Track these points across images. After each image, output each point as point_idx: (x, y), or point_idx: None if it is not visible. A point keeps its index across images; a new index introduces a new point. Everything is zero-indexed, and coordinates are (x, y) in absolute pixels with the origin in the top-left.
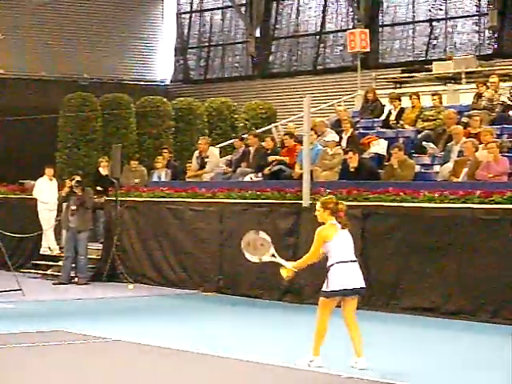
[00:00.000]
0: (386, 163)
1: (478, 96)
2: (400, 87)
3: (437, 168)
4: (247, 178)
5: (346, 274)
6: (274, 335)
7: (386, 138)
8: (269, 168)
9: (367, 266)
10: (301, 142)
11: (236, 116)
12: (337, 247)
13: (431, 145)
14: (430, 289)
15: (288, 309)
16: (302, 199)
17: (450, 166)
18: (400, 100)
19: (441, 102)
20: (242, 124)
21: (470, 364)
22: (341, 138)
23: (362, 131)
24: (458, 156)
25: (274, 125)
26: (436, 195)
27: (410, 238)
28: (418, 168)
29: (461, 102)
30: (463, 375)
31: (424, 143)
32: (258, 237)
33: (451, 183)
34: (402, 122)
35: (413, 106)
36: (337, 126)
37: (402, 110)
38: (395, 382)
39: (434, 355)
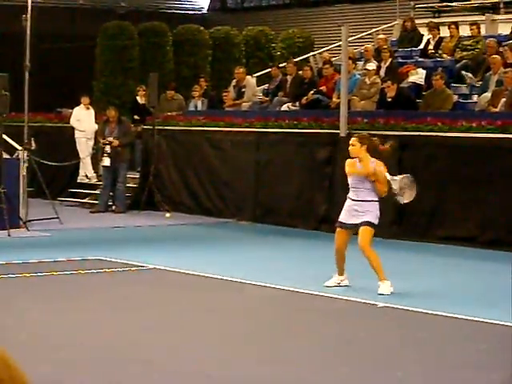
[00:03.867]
0: (424, 93)
1: None
2: (438, 16)
3: (475, 98)
4: (284, 108)
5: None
6: (307, 263)
7: (424, 68)
8: (306, 97)
9: None
10: (339, 72)
11: (273, 45)
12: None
13: (469, 74)
14: (468, 219)
15: (323, 238)
16: (339, 129)
17: (488, 95)
18: (438, 29)
19: (479, 32)
20: (279, 53)
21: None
22: (379, 67)
23: (400, 60)
24: (496, 86)
25: (312, 53)
26: (474, 125)
27: (447, 168)
28: (456, 98)
29: (499, 31)
30: (486, 304)
31: (462, 73)
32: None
33: (489, 113)
34: (440, 52)
35: (451, 36)
36: (376, 55)
37: (440, 40)
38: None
39: (464, 284)
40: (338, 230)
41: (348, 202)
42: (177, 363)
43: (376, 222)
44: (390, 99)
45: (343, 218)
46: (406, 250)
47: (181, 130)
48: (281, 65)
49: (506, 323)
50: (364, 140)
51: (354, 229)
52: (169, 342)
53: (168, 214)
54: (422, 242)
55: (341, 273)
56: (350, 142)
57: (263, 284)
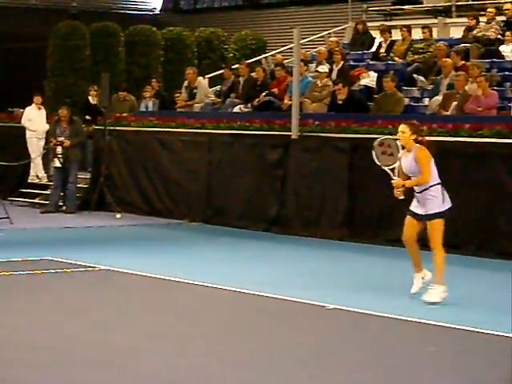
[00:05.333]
0: (376, 96)
1: (468, 29)
2: (390, 19)
3: (426, 101)
4: (236, 109)
5: (446, 193)
6: (257, 265)
7: (375, 71)
8: (258, 99)
9: (354, 199)
10: (291, 74)
11: (226, 46)
12: (434, 169)
13: (421, 78)
14: None
15: (274, 239)
16: (290, 131)
17: (439, 99)
18: (390, 32)
19: (431, 35)
20: (231, 55)
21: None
22: (331, 69)
23: (351, 63)
24: (447, 89)
25: (264, 55)
26: (424, 128)
27: None
28: (407, 101)
29: (451, 35)
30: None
31: (414, 76)
32: (393, 144)
33: (440, 116)
34: (391, 55)
35: (403, 39)
36: (328, 57)
37: (392, 43)
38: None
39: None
40: (406, 217)
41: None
42: (127, 364)
43: (443, 208)
44: (340, 102)
45: (412, 206)
46: (355, 252)
47: (132, 131)
48: (233, 66)
49: (455, 326)
50: (415, 128)
51: (422, 220)
52: (120, 342)
53: (119, 215)
54: (371, 244)
55: (419, 269)
56: (400, 129)
57: (213, 285)
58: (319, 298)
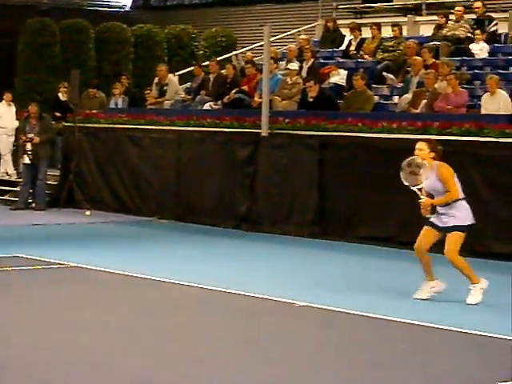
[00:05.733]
0: (346, 93)
1: (438, 27)
2: (360, 17)
3: (396, 99)
4: (206, 106)
5: (469, 210)
6: (227, 263)
7: (345, 69)
8: (228, 96)
9: (324, 196)
10: (261, 71)
11: (196, 43)
12: (457, 183)
13: (390, 76)
14: (387, 219)
15: (244, 236)
16: (260, 128)
17: (408, 96)
18: (360, 30)
19: (401, 33)
20: (201, 52)
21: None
22: (301, 67)
23: (322, 61)
24: (416, 87)
25: (234, 53)
26: (394, 126)
27: (367, 168)
28: (376, 99)
29: (421, 33)
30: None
31: (383, 74)
32: (421, 164)
33: (410, 114)
34: (361, 53)
35: (373, 37)
36: (298, 55)
37: (362, 41)
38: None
39: (383, 283)
40: (424, 227)
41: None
42: (94, 361)
43: (466, 222)
44: (311, 99)
45: (433, 218)
46: (325, 249)
47: (102, 128)
48: (203, 63)
49: (424, 323)
50: (433, 146)
51: (441, 232)
52: (88, 340)
53: (88, 212)
54: (341, 241)
55: (430, 278)
56: (418, 146)
57: (183, 283)
58: (288, 295)
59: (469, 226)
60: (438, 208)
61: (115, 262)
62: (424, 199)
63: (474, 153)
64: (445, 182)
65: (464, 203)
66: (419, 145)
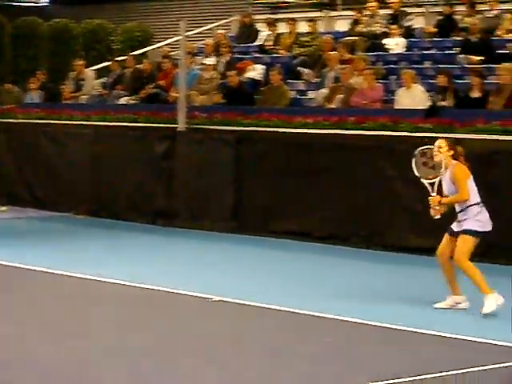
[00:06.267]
0: (262, 88)
1: (354, 22)
2: (276, 12)
3: (311, 94)
4: (123, 101)
5: (486, 217)
6: (141, 258)
7: (261, 64)
8: (145, 91)
9: (241, 191)
10: (178, 66)
11: (112, 38)
12: (473, 187)
13: (306, 71)
14: (304, 214)
15: (160, 232)
16: (177, 123)
17: (324, 92)
18: (276, 25)
19: (316, 29)
20: (118, 46)
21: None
22: (218, 62)
23: (238, 56)
24: (332, 82)
25: (151, 47)
26: (310, 121)
27: (283, 163)
28: (292, 94)
29: (336, 28)
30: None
31: (299, 69)
32: (437, 163)
33: (325, 109)
34: (277, 48)
35: (289, 32)
36: (214, 50)
37: (278, 36)
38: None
39: (300, 278)
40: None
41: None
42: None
43: (478, 228)
44: (233, 87)
45: (454, 225)
46: (241, 244)
47: (18, 123)
48: (120, 58)
49: (345, 318)
50: (452, 144)
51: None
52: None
53: (4, 208)
54: (258, 236)
55: (454, 291)
56: (437, 144)
57: (97, 278)
58: (203, 289)
59: (477, 232)
60: (458, 214)
61: (29, 257)
62: (434, 196)
63: (389, 147)
64: (456, 182)
65: (477, 208)
66: (438, 142)
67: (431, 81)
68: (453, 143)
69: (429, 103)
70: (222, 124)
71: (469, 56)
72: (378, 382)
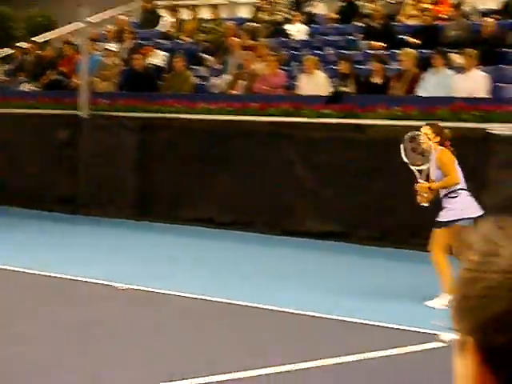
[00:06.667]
0: (165, 75)
1: (257, 9)
2: None
3: (215, 80)
4: (24, 88)
5: (465, 203)
6: (43, 246)
7: (164, 50)
8: (46, 78)
9: (145, 178)
10: (80, 52)
11: (13, 24)
12: (459, 171)
13: (209, 57)
14: (207, 200)
15: (65, 220)
16: (80, 110)
17: (227, 78)
18: (179, 11)
19: (219, 15)
20: (19, 33)
21: (237, 273)
22: (120, 48)
23: (140, 42)
24: (235, 68)
25: (52, 33)
26: (213, 107)
27: (187, 149)
28: (196, 80)
29: (239, 14)
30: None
31: (202, 55)
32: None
33: (228, 95)
34: (180, 34)
35: (192, 18)
36: (117, 36)
37: (181, 22)
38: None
39: (202, 265)
40: None
41: None
42: None
43: (448, 218)
44: (139, 70)
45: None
46: (146, 232)
47: None
48: (21, 45)
49: (249, 304)
50: (437, 130)
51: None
52: None
53: None
54: (163, 223)
55: (444, 286)
56: (422, 131)
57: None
58: (104, 276)
59: (446, 222)
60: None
61: None
62: (422, 183)
63: (292, 133)
64: (443, 167)
65: (461, 194)
66: (423, 129)
67: (333, 67)
68: (439, 129)
69: (331, 89)
70: (125, 110)
71: (370, 42)
72: (276, 366)
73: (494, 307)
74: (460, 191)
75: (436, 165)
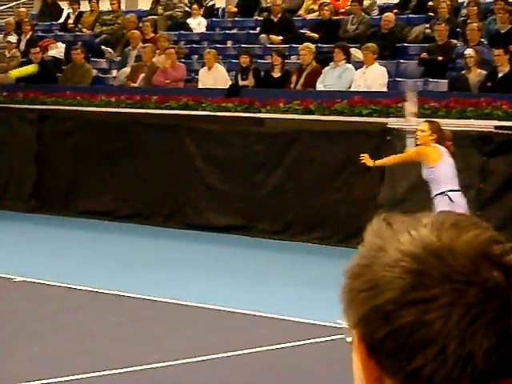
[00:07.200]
0: (64, 67)
1: (156, 1)
2: None
3: (114, 73)
4: None
5: (462, 203)
6: None
7: (64, 42)
8: None
9: (43, 170)
10: None
11: None
12: (446, 172)
13: (109, 49)
14: (106, 193)
15: None
16: None
17: (127, 70)
18: (79, 3)
19: (119, 7)
20: None
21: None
22: (19, 40)
23: (40, 34)
24: (135, 61)
25: None
26: (113, 100)
27: (86, 142)
28: (95, 72)
29: (139, 7)
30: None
31: (102, 47)
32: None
33: (128, 88)
34: (80, 26)
35: (91, 10)
36: (16, 28)
37: (80, 14)
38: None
39: (101, 256)
40: None
41: None
42: None
43: None
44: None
45: None
46: (42, 224)
47: None
48: None
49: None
50: (435, 128)
51: None
52: None
53: None
54: (60, 215)
55: None
56: (420, 127)
57: None
58: (4, 270)
59: None
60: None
61: None
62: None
63: (192, 126)
64: (424, 157)
65: (439, 198)
66: (421, 125)
67: (233, 60)
68: (436, 127)
69: (230, 83)
70: (24, 103)
71: (270, 36)
72: (170, 361)
73: (375, 300)
74: (449, 192)
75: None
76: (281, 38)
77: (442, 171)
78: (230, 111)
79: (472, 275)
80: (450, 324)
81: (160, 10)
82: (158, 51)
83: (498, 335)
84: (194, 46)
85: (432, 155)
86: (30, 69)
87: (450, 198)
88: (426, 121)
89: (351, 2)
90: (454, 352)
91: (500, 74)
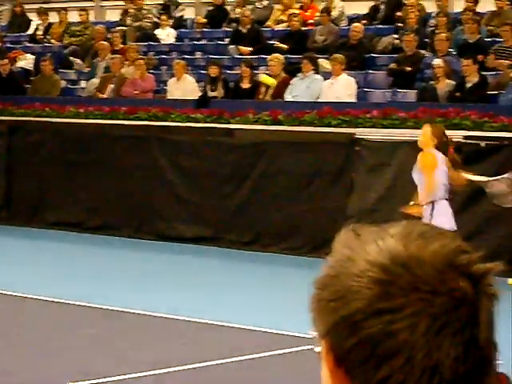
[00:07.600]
0: (33, 78)
1: (125, 13)
2: (48, 2)
3: (83, 84)
4: None
5: (450, 213)
6: None
7: (32, 53)
8: None
9: (12, 182)
10: None
11: None
12: (439, 181)
13: (78, 60)
14: (75, 204)
15: None
16: None
17: (96, 81)
18: (48, 15)
19: (88, 18)
20: None
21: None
22: None
23: (9, 45)
24: (104, 72)
25: None
26: (81, 111)
27: (55, 153)
28: (64, 83)
29: (107, 18)
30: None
31: (71, 58)
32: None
33: (97, 99)
34: (49, 37)
35: (60, 21)
36: None
37: (49, 25)
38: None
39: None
40: None
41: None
42: None
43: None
44: (4, 75)
45: None
46: (13, 236)
47: None
48: None
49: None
50: (436, 132)
51: None
52: None
53: None
54: (29, 227)
55: None
56: (422, 130)
57: None
58: None
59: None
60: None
61: None
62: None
63: (161, 137)
64: (423, 173)
65: (444, 205)
66: (424, 127)
67: (202, 71)
68: (438, 131)
69: (199, 93)
70: None
71: (239, 47)
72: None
73: (343, 310)
74: (436, 201)
75: (418, 167)
76: (250, 48)
77: (434, 180)
78: (199, 122)
79: (439, 285)
80: (416, 334)
81: (129, 20)
82: (126, 62)
83: (466, 345)
84: (163, 56)
85: (429, 164)
86: None
87: (435, 208)
88: (429, 123)
89: (320, 12)
90: (421, 362)
91: (468, 84)
